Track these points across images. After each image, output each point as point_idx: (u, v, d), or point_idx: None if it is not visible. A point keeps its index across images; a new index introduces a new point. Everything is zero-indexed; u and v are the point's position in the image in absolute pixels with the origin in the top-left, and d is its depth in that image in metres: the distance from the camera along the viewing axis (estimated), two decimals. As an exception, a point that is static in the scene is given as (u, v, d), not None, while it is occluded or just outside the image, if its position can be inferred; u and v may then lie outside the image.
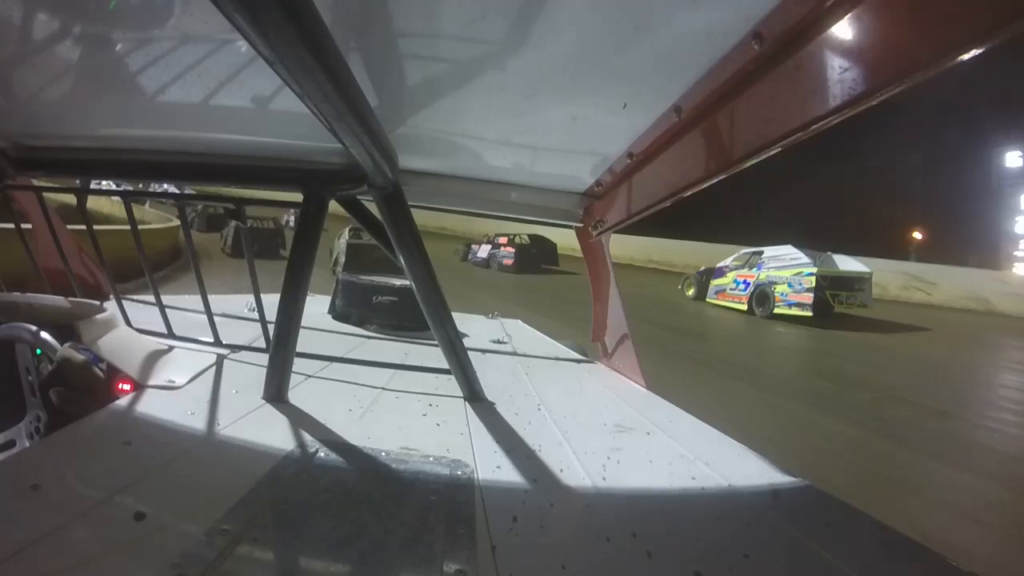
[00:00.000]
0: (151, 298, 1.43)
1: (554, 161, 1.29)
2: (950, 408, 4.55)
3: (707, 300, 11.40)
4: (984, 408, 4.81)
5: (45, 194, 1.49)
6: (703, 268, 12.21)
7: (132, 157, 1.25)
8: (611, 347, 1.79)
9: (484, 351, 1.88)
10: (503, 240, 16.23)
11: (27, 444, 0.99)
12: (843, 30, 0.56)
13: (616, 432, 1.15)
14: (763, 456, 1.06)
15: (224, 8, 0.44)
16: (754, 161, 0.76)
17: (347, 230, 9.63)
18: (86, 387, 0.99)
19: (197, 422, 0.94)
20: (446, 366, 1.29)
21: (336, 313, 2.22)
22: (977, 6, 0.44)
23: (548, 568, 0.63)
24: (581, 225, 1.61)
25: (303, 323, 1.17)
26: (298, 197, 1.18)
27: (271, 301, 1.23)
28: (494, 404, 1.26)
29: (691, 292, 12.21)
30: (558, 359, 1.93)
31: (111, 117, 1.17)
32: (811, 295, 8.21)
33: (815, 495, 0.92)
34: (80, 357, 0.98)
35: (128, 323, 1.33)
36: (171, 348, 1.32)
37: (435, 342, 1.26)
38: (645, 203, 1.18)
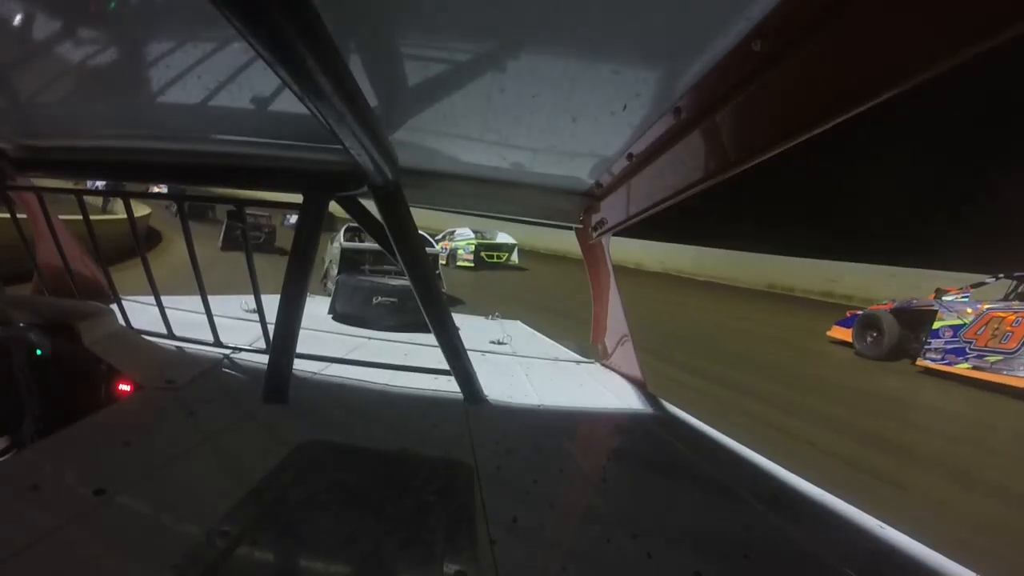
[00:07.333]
0: (151, 298, 1.42)
1: (554, 162, 1.29)
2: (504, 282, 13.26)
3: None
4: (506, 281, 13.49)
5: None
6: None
7: (132, 158, 1.25)
8: (611, 348, 1.79)
9: (484, 351, 1.88)
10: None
11: (27, 444, 0.99)
12: (843, 30, 0.56)
13: (615, 432, 1.15)
14: (764, 456, 1.06)
15: (224, 9, 0.44)
16: (755, 162, 0.76)
17: (341, 232, 9.05)
18: (81, 380, 1.01)
19: (197, 422, 0.93)
20: (446, 366, 1.29)
21: (336, 313, 2.23)
22: (977, 6, 0.44)
23: (548, 569, 0.63)
24: (581, 226, 1.61)
25: (303, 324, 1.17)
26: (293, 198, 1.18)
27: (271, 301, 1.23)
28: (494, 404, 1.25)
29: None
30: (558, 359, 1.93)
31: (111, 118, 1.17)
32: (472, 255, 15.51)
33: (815, 495, 0.92)
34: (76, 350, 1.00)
35: (128, 323, 1.34)
36: (171, 348, 1.32)
37: (435, 342, 1.26)
38: (645, 204, 1.17)
